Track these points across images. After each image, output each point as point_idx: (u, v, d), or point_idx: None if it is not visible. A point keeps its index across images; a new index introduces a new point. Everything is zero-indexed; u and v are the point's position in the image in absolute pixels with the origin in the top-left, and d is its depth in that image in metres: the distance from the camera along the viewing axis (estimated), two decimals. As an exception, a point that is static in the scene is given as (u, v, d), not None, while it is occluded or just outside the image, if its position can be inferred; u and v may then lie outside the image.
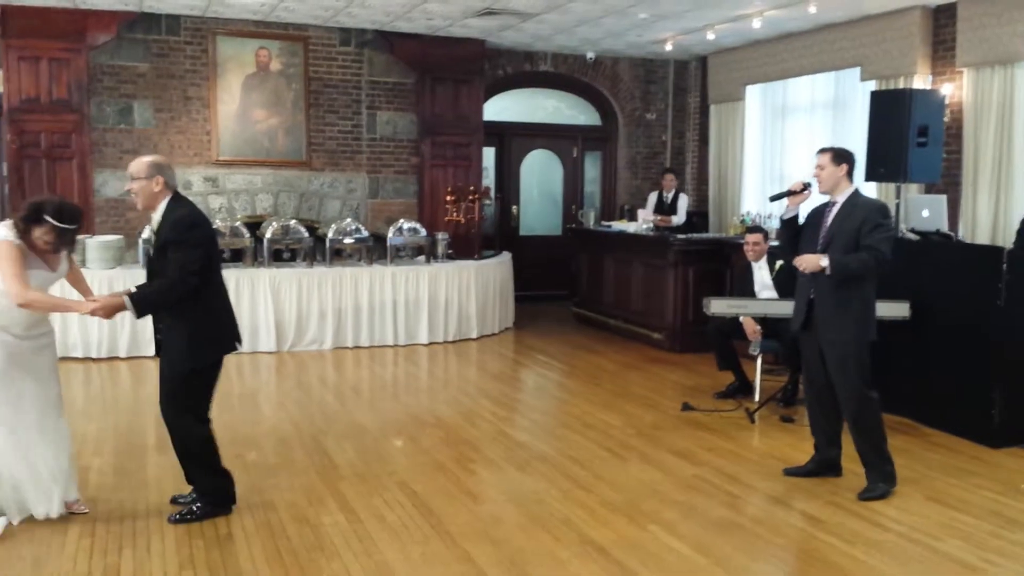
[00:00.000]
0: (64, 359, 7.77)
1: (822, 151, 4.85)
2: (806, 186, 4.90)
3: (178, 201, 4.22)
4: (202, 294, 4.15)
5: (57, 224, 3.97)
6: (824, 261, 4.62)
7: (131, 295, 4.10)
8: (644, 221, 9.85)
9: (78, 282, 4.47)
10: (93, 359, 7.87)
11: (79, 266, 4.63)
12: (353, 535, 4.13)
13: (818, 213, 4.89)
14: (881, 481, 4.78)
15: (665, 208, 10.43)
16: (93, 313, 4.11)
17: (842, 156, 4.78)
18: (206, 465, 4.30)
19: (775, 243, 7.67)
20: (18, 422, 4.07)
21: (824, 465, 5.04)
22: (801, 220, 4.97)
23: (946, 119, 7.76)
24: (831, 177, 4.77)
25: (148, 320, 7.74)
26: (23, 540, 3.98)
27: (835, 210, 4.78)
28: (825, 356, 4.80)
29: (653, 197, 10.66)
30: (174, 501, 4.44)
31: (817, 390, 4.97)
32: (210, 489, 4.32)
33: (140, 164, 4.17)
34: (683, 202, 10.53)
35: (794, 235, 4.97)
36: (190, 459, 4.29)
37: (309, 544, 4.02)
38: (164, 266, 4.10)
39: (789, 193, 4.93)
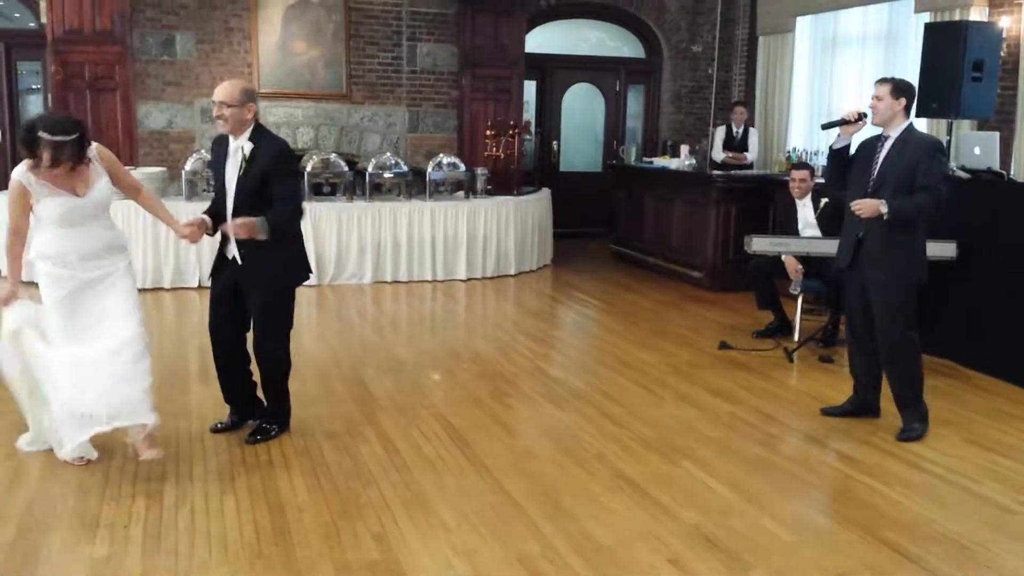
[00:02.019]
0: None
1: (882, 81, 4.64)
2: (861, 116, 4.69)
3: (264, 129, 4.27)
4: None
5: (49, 138, 3.76)
6: (884, 208, 4.46)
7: (268, 221, 4.13)
8: (686, 157, 9.69)
9: (156, 210, 4.39)
10: (139, 290, 7.99)
11: (153, 195, 4.52)
12: (390, 464, 4.20)
13: (869, 146, 4.71)
14: (917, 422, 4.74)
15: (735, 144, 10.00)
16: (226, 230, 4.22)
17: (901, 89, 4.58)
18: (284, 388, 4.51)
19: (821, 180, 7.53)
20: (81, 354, 3.94)
21: (862, 407, 4.99)
22: (852, 151, 4.79)
23: (1002, 53, 7.47)
24: (888, 110, 4.58)
25: (192, 251, 7.94)
26: (68, 464, 4.10)
27: (887, 146, 4.61)
28: (870, 296, 4.70)
29: (721, 132, 10.22)
30: (215, 430, 4.54)
31: (858, 332, 4.88)
32: (283, 412, 4.53)
33: (233, 90, 4.11)
34: (754, 137, 10.09)
35: (843, 166, 4.79)
36: (273, 384, 4.46)
37: (347, 472, 4.10)
38: (260, 193, 4.14)
39: (843, 122, 4.73)
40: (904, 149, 4.55)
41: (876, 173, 4.61)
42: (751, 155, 9.94)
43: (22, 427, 4.29)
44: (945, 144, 6.94)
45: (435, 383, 5.61)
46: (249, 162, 4.15)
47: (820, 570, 3.33)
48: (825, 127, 5.00)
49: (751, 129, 10.17)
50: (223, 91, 4.13)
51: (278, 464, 4.18)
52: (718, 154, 10.01)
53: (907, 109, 4.62)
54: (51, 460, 4.13)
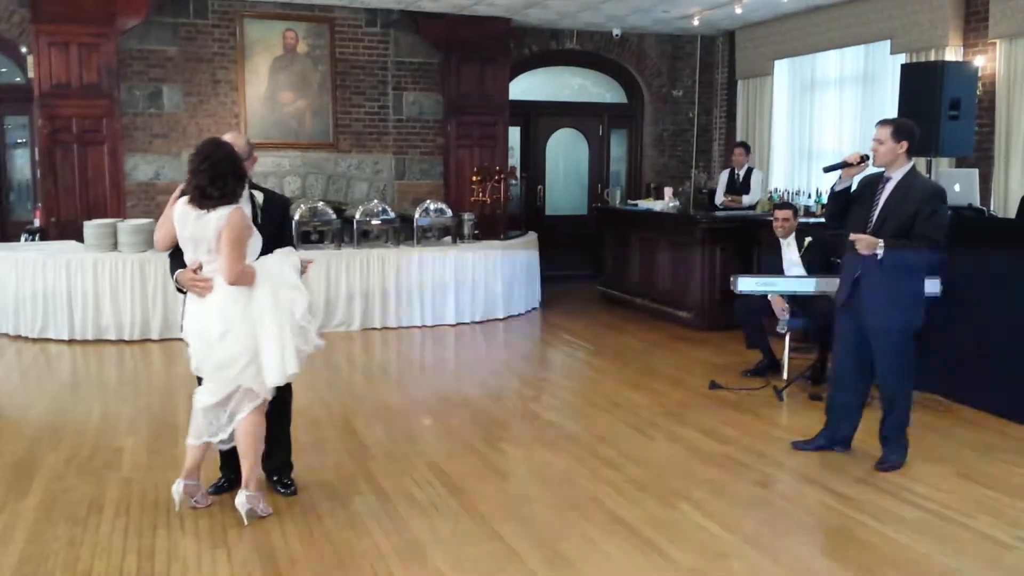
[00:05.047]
0: (98, 341, 7.91)
1: (883, 123, 4.63)
2: (863, 159, 4.71)
3: (256, 185, 4.32)
4: None
5: None
6: (880, 248, 4.50)
7: None
8: (670, 199, 9.76)
9: None
10: (126, 341, 7.98)
11: None
12: (383, 513, 4.17)
13: (870, 185, 4.71)
14: (896, 454, 4.81)
15: (737, 186, 9.68)
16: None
17: (904, 132, 4.56)
18: (289, 435, 4.52)
19: (804, 220, 7.62)
20: None
21: (835, 440, 5.04)
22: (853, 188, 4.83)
23: (978, 92, 7.63)
24: (889, 153, 4.57)
25: (179, 302, 7.90)
26: (58, 519, 4.06)
27: (889, 188, 4.61)
28: (871, 339, 4.72)
29: (724, 176, 9.94)
30: (217, 490, 4.39)
31: (845, 368, 4.93)
32: (290, 460, 4.52)
33: (239, 142, 4.18)
34: (757, 178, 9.63)
35: (844, 207, 4.81)
36: (286, 431, 4.46)
37: (340, 523, 4.07)
38: (274, 241, 4.20)
39: (844, 165, 4.77)
40: (907, 194, 4.55)
41: (877, 215, 4.61)
42: (749, 198, 9.53)
43: (15, 470, 4.24)
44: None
45: (426, 429, 5.59)
46: (264, 210, 4.18)
47: (819, 610, 3.31)
48: (827, 170, 5.01)
49: (755, 171, 9.77)
50: (235, 140, 4.15)
51: (270, 517, 4.12)
52: (719, 198, 9.83)
53: (909, 152, 4.60)
54: (43, 515, 4.09)
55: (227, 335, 3.95)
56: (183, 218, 3.95)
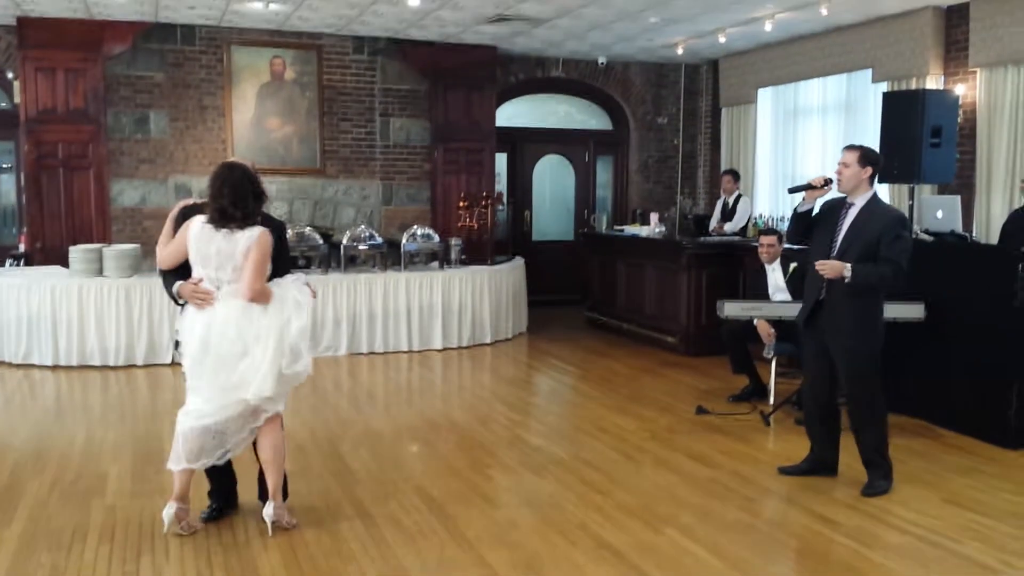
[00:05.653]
0: (82, 367, 7.86)
1: (850, 148, 4.74)
2: (827, 182, 4.80)
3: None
4: None
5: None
6: (847, 271, 4.58)
7: None
8: (656, 225, 9.82)
9: None
10: (111, 367, 7.92)
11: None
12: (370, 540, 4.15)
13: (833, 210, 4.81)
14: (881, 479, 4.83)
15: (727, 214, 9.72)
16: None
17: (869, 158, 4.68)
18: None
19: (789, 246, 7.68)
20: None
21: (820, 464, 5.05)
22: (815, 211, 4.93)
23: (959, 119, 7.73)
24: (854, 178, 4.68)
25: (165, 328, 7.88)
26: (42, 546, 4.02)
27: (852, 215, 4.71)
28: (837, 362, 4.79)
29: (718, 205, 9.97)
30: (207, 519, 4.34)
31: (816, 391, 4.97)
32: (285, 490, 4.45)
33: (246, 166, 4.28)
34: (743, 206, 9.64)
35: (807, 228, 4.91)
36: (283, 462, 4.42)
37: (326, 549, 4.04)
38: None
39: (808, 187, 4.86)
40: (869, 220, 4.65)
41: (840, 240, 4.71)
42: (731, 225, 9.56)
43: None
44: (907, 209, 7.16)
45: (413, 455, 5.57)
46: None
47: (807, 635, 3.30)
48: (792, 191, 5.13)
49: (743, 198, 9.78)
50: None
51: (255, 542, 4.10)
52: (712, 225, 9.87)
53: (872, 178, 4.72)
54: (26, 541, 4.05)
55: (245, 356, 3.99)
56: (206, 237, 3.99)
